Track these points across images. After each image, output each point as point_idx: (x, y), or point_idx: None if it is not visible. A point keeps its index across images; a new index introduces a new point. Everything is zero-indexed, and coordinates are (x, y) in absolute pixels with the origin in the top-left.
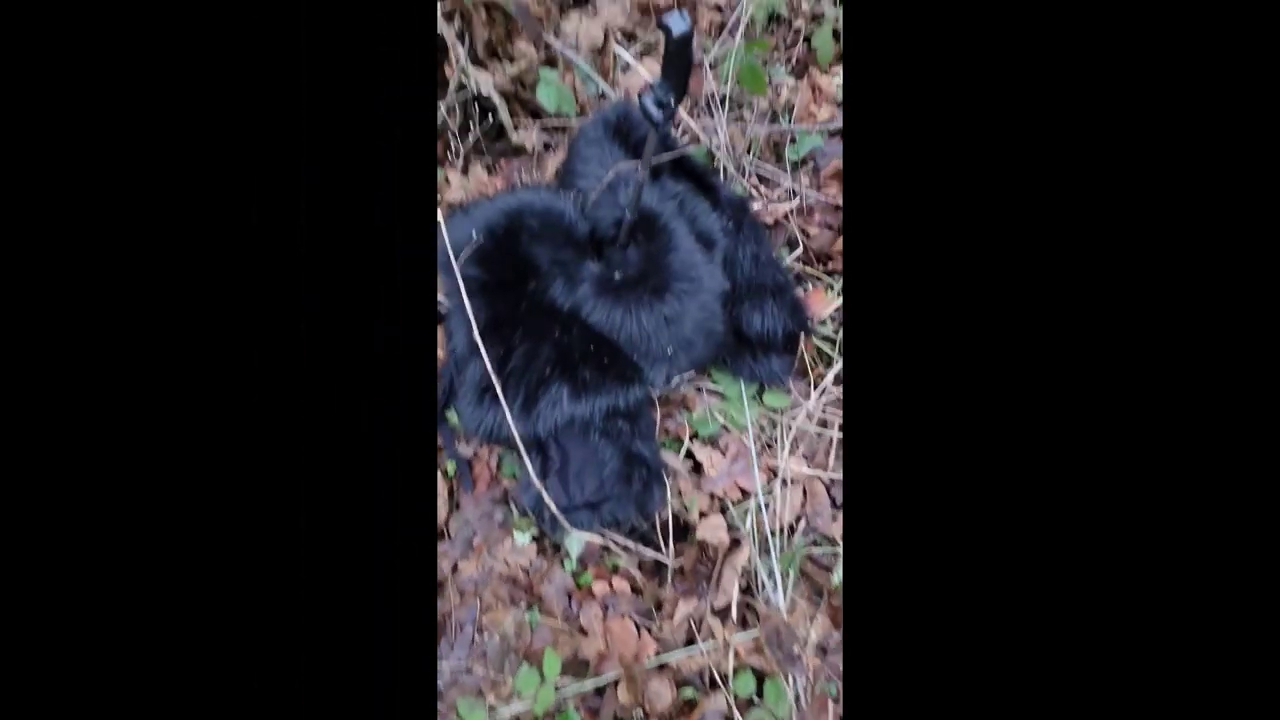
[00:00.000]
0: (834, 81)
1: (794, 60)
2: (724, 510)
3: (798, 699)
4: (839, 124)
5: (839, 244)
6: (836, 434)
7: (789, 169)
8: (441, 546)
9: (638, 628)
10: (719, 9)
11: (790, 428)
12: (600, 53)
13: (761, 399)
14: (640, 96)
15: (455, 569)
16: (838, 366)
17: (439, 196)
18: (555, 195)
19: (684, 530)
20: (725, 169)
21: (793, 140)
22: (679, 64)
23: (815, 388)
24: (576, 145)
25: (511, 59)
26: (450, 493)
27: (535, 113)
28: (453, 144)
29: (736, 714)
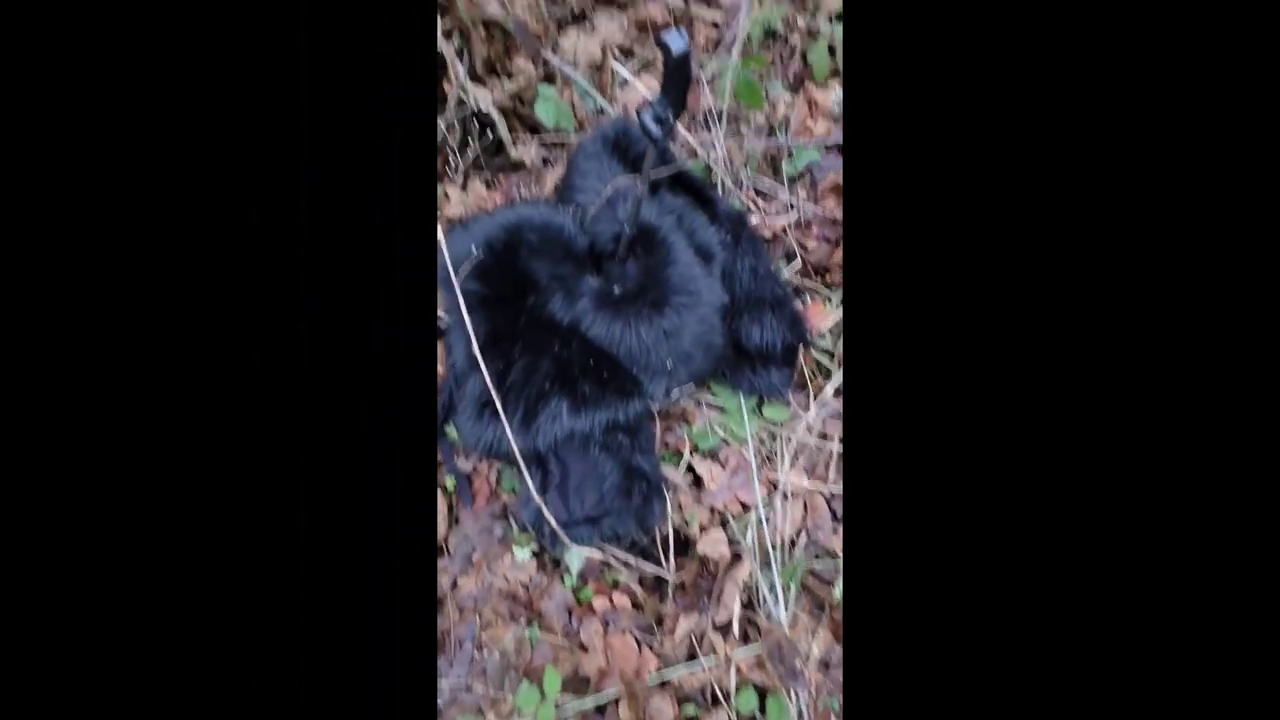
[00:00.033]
0: (830, 96)
1: (790, 75)
2: (724, 524)
3: (800, 715)
4: (835, 138)
5: (836, 257)
6: (836, 447)
7: (786, 183)
8: (441, 562)
9: (639, 644)
10: (715, 25)
11: (790, 440)
12: (598, 69)
13: (761, 412)
14: (639, 113)
15: (455, 585)
16: (837, 379)
17: (438, 212)
18: (554, 210)
19: (684, 544)
20: (723, 183)
21: (789, 154)
22: (677, 81)
23: (815, 400)
24: (575, 160)
25: (510, 75)
26: (449, 508)
27: (534, 128)
28: (452, 159)
29: None
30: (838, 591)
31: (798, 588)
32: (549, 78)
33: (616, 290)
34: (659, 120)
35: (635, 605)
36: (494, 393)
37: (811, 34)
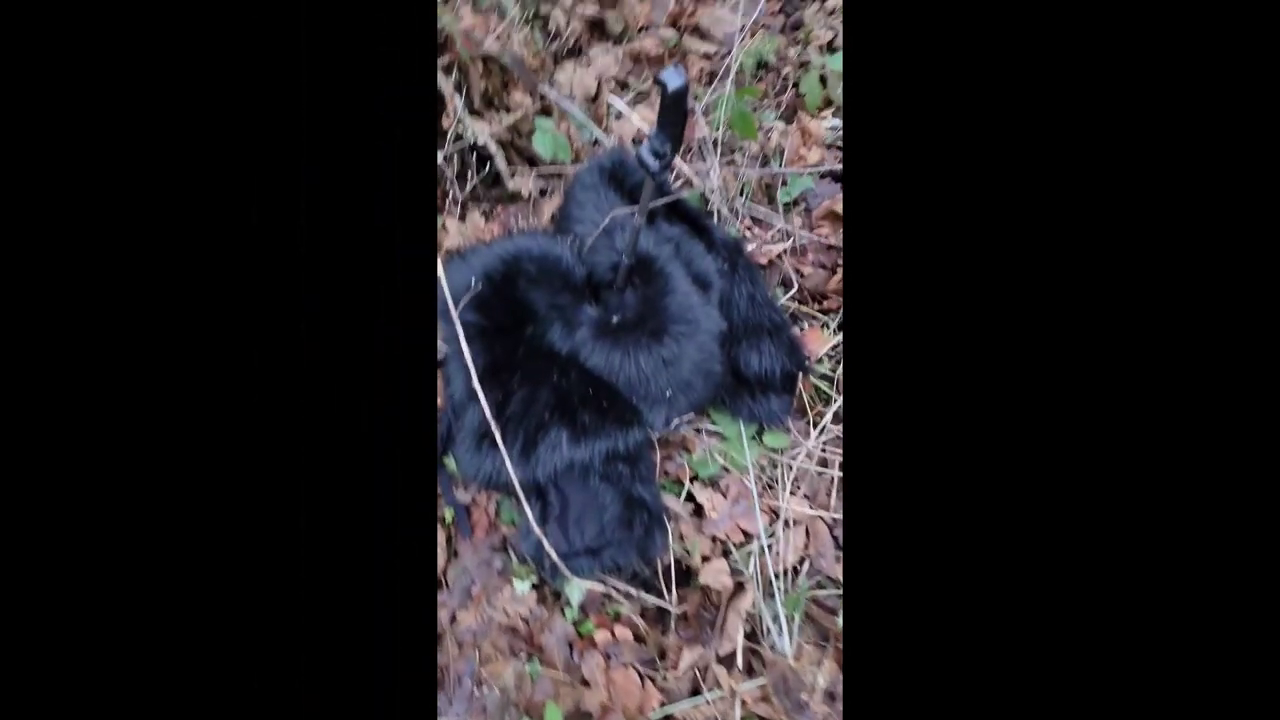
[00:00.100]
0: (823, 125)
1: (783, 105)
2: (726, 554)
3: None
4: (829, 166)
5: (832, 282)
6: (837, 473)
7: (781, 210)
8: (440, 596)
9: (641, 678)
10: (709, 57)
11: (791, 468)
12: (594, 101)
13: (761, 439)
14: (637, 147)
15: (454, 619)
16: (836, 405)
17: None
18: (552, 240)
19: (686, 575)
20: (719, 212)
21: (784, 183)
22: (675, 116)
23: (815, 427)
24: (572, 191)
25: (508, 109)
26: (448, 540)
27: (531, 160)
28: (451, 191)
29: None
30: (841, 620)
31: (801, 617)
32: (546, 110)
33: (615, 319)
34: (657, 155)
35: (637, 638)
36: (493, 423)
37: (803, 65)
